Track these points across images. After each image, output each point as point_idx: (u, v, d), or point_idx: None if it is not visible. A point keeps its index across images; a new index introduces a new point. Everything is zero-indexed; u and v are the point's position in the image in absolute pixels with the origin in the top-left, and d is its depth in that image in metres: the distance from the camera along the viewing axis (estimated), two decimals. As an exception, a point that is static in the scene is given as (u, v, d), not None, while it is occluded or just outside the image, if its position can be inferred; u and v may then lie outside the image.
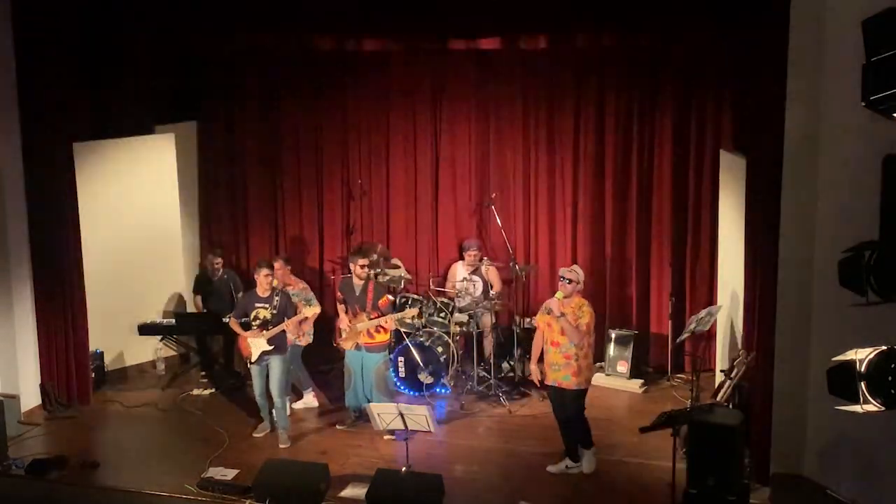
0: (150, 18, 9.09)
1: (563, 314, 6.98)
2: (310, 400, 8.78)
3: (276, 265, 8.26)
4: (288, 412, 8.13)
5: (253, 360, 7.87)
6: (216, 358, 9.76)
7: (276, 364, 7.86)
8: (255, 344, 7.81)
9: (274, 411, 7.95)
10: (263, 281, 7.81)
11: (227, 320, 8.27)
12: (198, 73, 10.42)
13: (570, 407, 7.18)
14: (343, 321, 8.05)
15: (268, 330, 7.76)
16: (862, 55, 3.83)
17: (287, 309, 7.85)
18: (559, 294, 7.02)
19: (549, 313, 7.09)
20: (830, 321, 6.46)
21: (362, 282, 8.01)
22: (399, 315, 8.16)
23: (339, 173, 10.37)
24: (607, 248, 9.65)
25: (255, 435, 8.15)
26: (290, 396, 8.41)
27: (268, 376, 7.91)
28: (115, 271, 9.48)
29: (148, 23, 9.17)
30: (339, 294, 8.26)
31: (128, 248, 9.58)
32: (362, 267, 7.97)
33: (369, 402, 7.58)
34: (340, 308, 8.20)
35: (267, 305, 7.82)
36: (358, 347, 7.98)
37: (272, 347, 7.80)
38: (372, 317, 7.87)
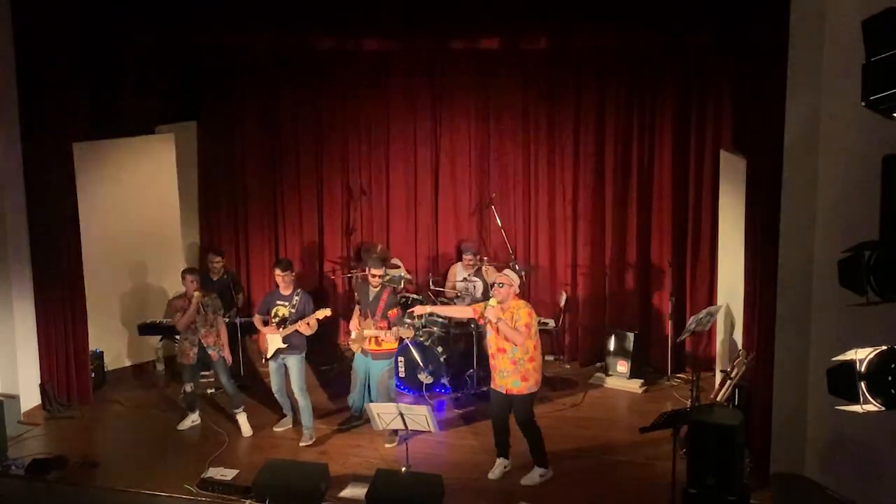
0: (150, 18, 9.09)
1: (500, 319, 6.88)
2: (243, 423, 8.21)
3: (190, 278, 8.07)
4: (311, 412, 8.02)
5: (268, 356, 7.92)
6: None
7: (293, 363, 7.90)
8: (272, 340, 7.86)
9: (299, 409, 7.95)
10: (279, 280, 7.87)
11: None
12: (198, 73, 10.43)
13: (518, 412, 7.10)
14: (353, 322, 8.05)
15: (285, 328, 7.80)
16: (862, 55, 3.82)
17: (306, 309, 7.87)
18: (492, 301, 6.95)
19: (487, 322, 7.02)
20: (830, 321, 6.45)
21: (377, 288, 7.99)
22: (396, 332, 7.93)
23: (339, 173, 10.37)
24: (607, 248, 9.64)
25: (275, 429, 8.21)
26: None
27: (286, 375, 7.97)
28: (115, 271, 9.48)
29: (148, 23, 9.17)
30: (356, 295, 8.24)
31: (128, 248, 9.58)
32: (374, 276, 7.96)
33: None
34: (357, 308, 8.18)
35: (287, 304, 7.88)
36: (365, 353, 7.96)
37: (286, 346, 7.84)
38: (379, 326, 7.84)
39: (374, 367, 7.94)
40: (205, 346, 8.06)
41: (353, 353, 8.14)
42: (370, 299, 7.97)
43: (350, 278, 9.84)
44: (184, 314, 8.00)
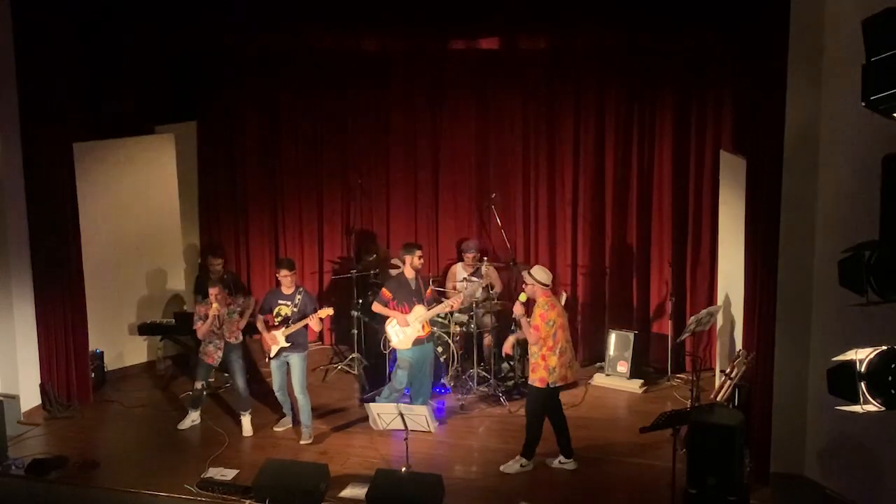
0: (150, 18, 9.09)
1: (521, 315, 7.28)
2: (245, 424, 8.24)
3: (213, 290, 8.09)
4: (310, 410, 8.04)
5: (271, 355, 7.96)
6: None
7: (295, 361, 7.94)
8: (274, 340, 7.90)
9: (299, 408, 7.98)
10: (283, 280, 7.91)
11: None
12: (198, 72, 10.43)
13: (527, 399, 7.53)
14: (400, 320, 8.05)
15: (287, 327, 7.83)
16: (862, 55, 3.83)
17: (308, 307, 7.91)
18: (521, 296, 7.31)
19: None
20: (830, 321, 6.46)
21: (414, 275, 8.12)
22: (469, 290, 8.50)
23: (339, 173, 10.37)
24: (607, 248, 9.64)
25: (275, 429, 8.22)
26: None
27: (288, 373, 8.01)
28: (115, 271, 9.48)
29: (148, 23, 9.17)
30: (388, 294, 8.09)
31: (128, 248, 9.58)
32: (420, 258, 8.16)
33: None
34: (385, 310, 8.10)
35: (289, 303, 7.93)
36: (420, 342, 8.08)
37: (290, 345, 7.88)
38: (431, 307, 8.09)
39: (430, 350, 8.22)
40: (230, 343, 8.10)
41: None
42: (413, 288, 8.11)
43: (350, 277, 9.80)
44: (203, 323, 8.06)
